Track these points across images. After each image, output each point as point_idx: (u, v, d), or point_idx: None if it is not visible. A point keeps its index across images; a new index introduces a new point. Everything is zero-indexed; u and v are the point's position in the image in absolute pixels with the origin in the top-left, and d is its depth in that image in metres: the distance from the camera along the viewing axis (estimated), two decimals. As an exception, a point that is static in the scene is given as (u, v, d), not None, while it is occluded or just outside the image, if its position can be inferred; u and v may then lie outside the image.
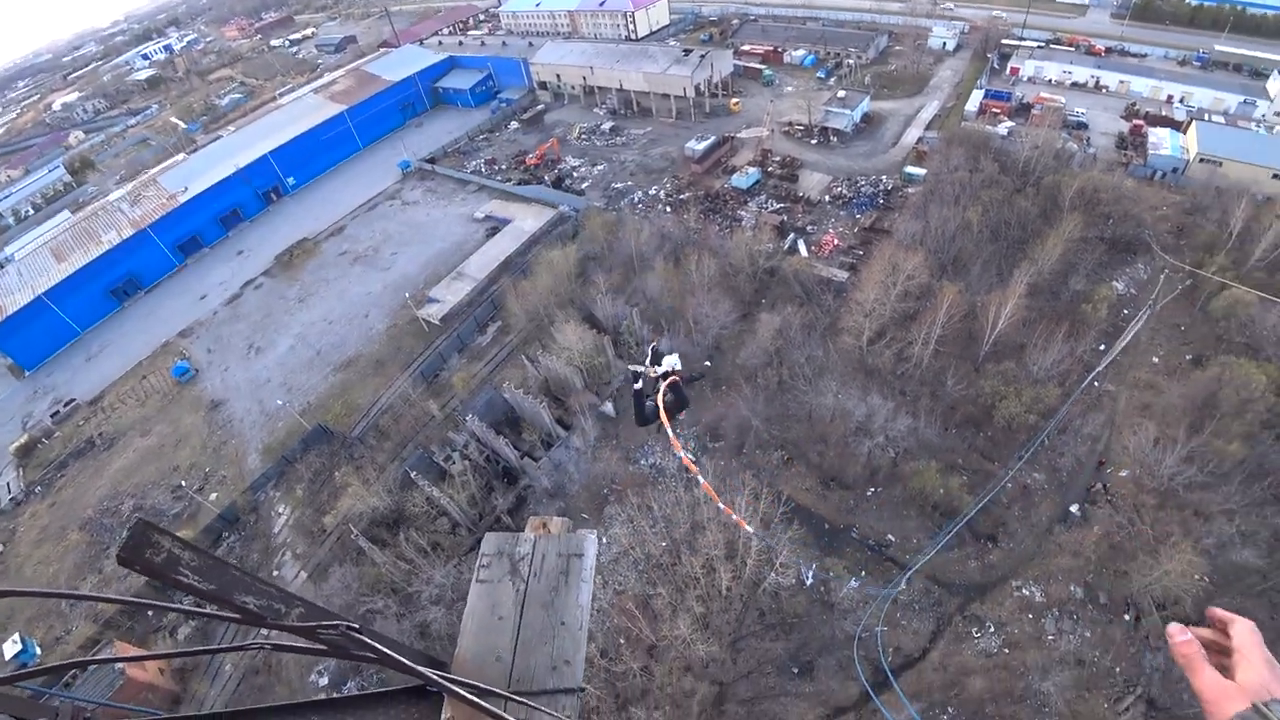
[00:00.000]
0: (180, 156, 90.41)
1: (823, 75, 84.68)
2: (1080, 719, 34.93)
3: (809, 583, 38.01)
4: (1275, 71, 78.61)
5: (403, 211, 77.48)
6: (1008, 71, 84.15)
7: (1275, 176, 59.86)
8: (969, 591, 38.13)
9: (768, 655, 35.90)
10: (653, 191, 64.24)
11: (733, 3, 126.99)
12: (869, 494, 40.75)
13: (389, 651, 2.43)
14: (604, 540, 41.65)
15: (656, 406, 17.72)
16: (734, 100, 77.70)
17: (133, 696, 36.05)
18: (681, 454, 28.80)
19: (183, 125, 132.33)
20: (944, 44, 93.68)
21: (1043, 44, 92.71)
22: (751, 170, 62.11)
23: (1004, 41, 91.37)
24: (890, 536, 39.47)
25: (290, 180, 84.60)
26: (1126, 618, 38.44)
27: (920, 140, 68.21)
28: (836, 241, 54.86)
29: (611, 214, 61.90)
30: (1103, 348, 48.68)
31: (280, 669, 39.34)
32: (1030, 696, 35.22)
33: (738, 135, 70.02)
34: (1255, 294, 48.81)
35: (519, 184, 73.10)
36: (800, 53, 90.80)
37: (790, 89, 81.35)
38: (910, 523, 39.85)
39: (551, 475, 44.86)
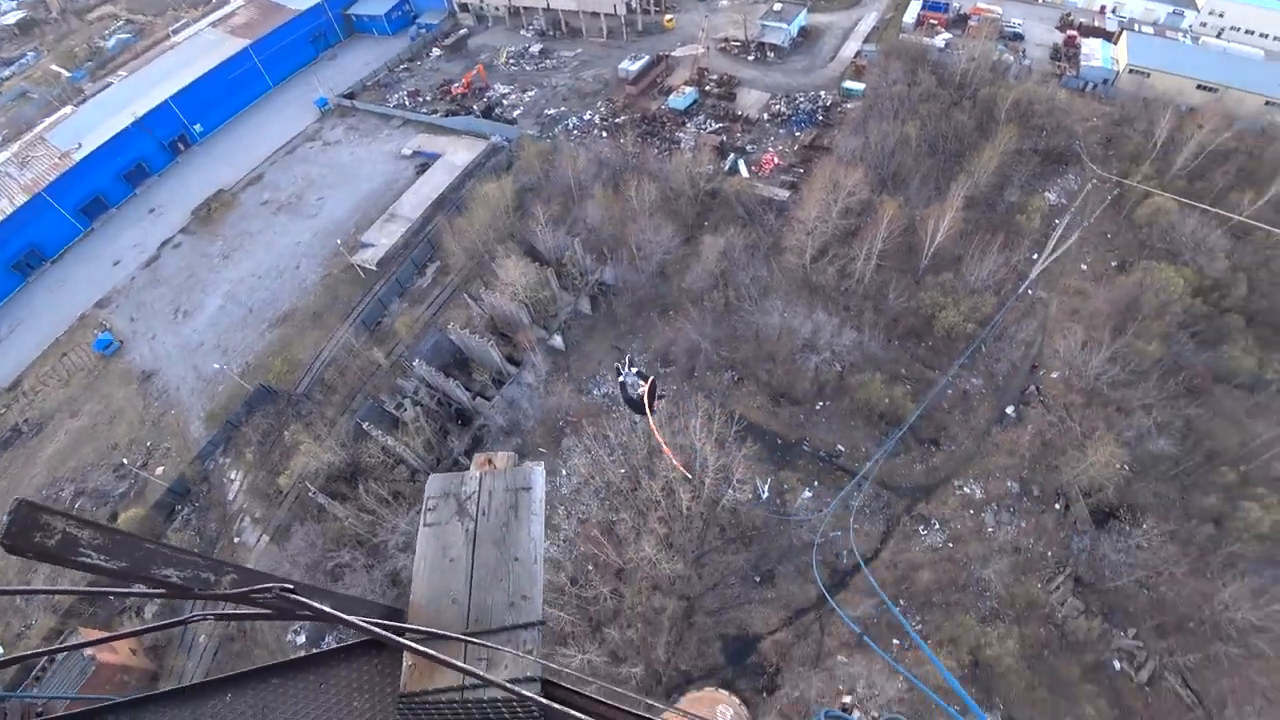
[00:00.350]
0: (67, 110, 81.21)
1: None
2: (1017, 600, 37.52)
3: (765, 496, 39.00)
4: None
5: (325, 153, 72.42)
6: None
7: (1200, 87, 61.33)
8: (915, 493, 39.81)
9: (730, 568, 37.08)
10: (587, 116, 61.64)
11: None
12: (818, 408, 41.56)
13: (326, 609, 2.40)
14: (564, 472, 41.98)
15: (640, 399, 22.58)
16: (668, 17, 74.38)
17: (109, 680, 35.14)
18: (666, 450, 29.45)
19: (66, 74, 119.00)
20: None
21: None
22: (688, 90, 60.06)
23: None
24: (840, 447, 40.58)
25: (197, 127, 77.46)
26: (1057, 507, 40.99)
27: (859, 54, 67.02)
28: (777, 160, 54.07)
29: (546, 142, 59.27)
30: (1035, 257, 50.08)
31: (255, 632, 38.70)
32: (972, 584, 37.51)
33: (672, 54, 67.25)
34: (1176, 200, 50.68)
35: (446, 116, 68.90)
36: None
37: (726, 3, 78.23)
38: (858, 432, 40.97)
39: (505, 413, 44.20)
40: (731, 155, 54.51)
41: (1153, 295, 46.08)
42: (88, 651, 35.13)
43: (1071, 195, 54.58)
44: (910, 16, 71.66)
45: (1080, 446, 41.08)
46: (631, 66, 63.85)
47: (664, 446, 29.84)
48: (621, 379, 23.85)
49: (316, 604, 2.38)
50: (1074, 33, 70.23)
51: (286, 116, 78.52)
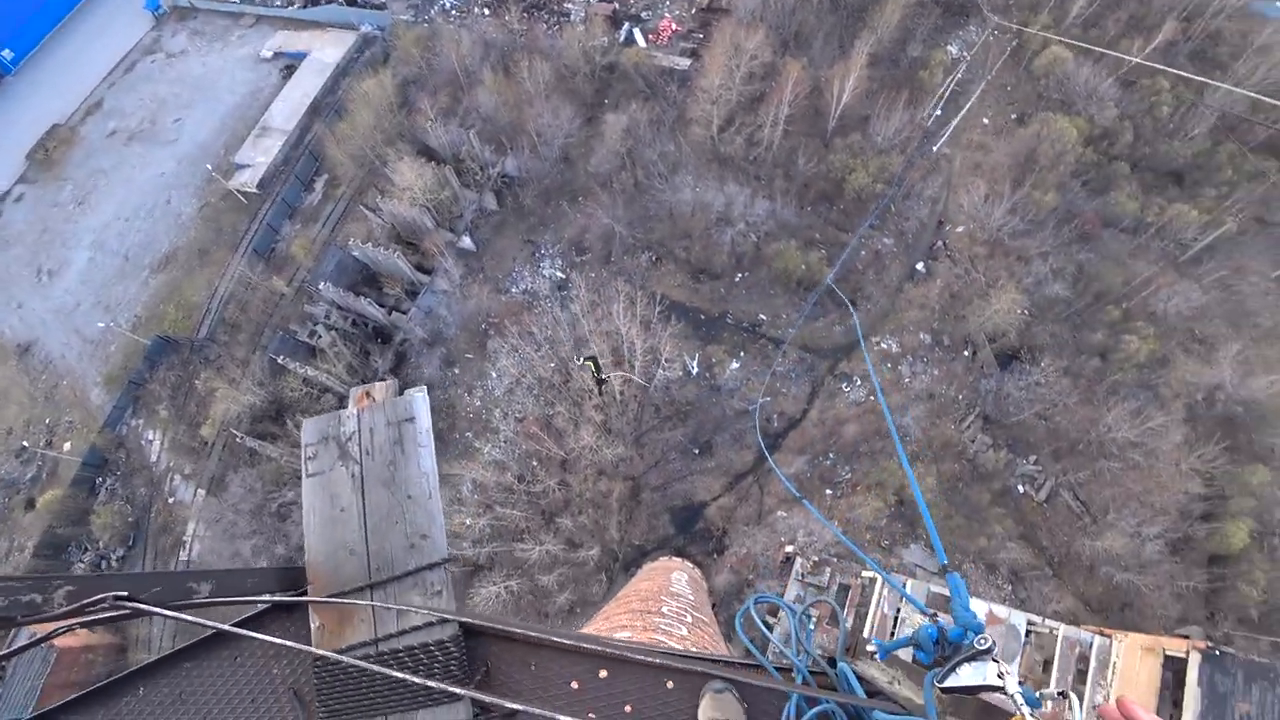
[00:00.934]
0: None
1: None
2: (934, 441, 40.05)
3: (694, 372, 39.17)
4: None
5: (171, 66, 63.54)
6: None
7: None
8: (836, 353, 40.92)
9: (669, 444, 37.75)
10: (460, -9, 56.17)
11: None
12: (737, 280, 41.43)
13: (160, 611, 2.37)
14: (494, 374, 41.27)
15: None
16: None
17: (74, 663, 34.61)
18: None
19: None
20: None
21: None
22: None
23: None
24: (762, 316, 40.89)
25: (7, 54, 65.96)
26: (966, 354, 43.22)
27: (754, -89, 63.03)
28: (674, 27, 51.07)
29: (423, 27, 53.70)
30: (939, 112, 50.25)
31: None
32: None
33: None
34: (1073, 45, 51.29)
35: (305, 6, 61.22)
36: None
37: None
38: (778, 300, 41.30)
39: (424, 324, 42.34)
40: (626, 24, 51.07)
41: (1049, 146, 47.36)
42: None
43: (972, 47, 54.49)
44: None
45: (985, 296, 43.04)
46: None
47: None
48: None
49: (149, 607, 2.36)
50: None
51: (114, 29, 67.80)
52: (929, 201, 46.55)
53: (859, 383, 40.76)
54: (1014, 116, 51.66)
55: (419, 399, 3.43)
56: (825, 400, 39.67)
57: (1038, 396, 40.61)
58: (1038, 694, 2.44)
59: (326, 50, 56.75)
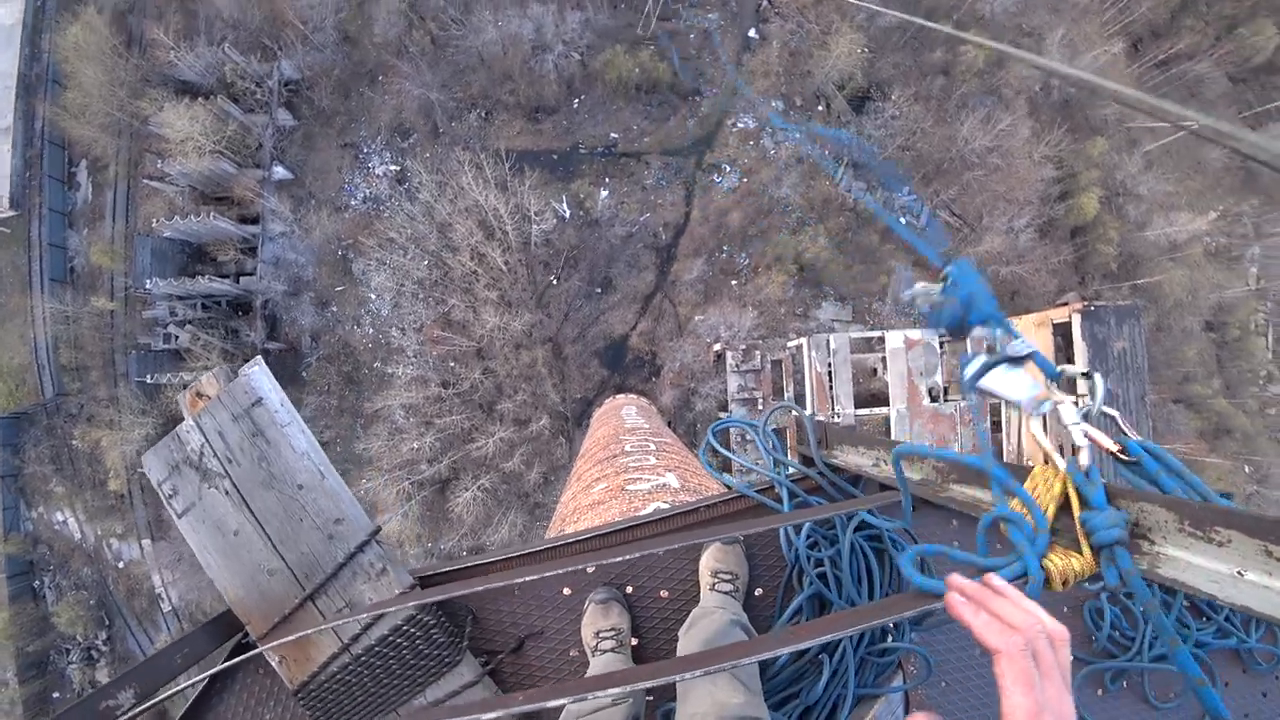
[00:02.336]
0: None
1: None
2: (814, 202, 41.44)
3: (567, 215, 38.16)
4: None
5: None
6: None
7: None
8: (697, 147, 40.48)
9: (571, 293, 37.71)
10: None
11: None
12: (575, 106, 39.43)
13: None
14: (372, 296, 39.17)
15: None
16: None
17: None
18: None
19: None
20: None
21: None
22: None
23: None
24: (613, 135, 39.54)
25: None
26: (820, 108, 43.67)
27: None
28: None
29: (107, -64, 44.28)
30: None
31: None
32: (774, 205, 40.57)
33: None
34: None
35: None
36: None
37: None
38: (624, 113, 39.82)
39: (277, 276, 39.06)
40: None
41: None
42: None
43: None
44: None
45: (823, 45, 42.74)
46: None
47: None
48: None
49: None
50: None
51: None
52: (735, -41, 44.62)
53: (728, 169, 40.87)
54: None
55: (256, 373, 2.96)
56: (702, 196, 39.84)
57: (896, 130, 42.03)
58: (1059, 369, 2.23)
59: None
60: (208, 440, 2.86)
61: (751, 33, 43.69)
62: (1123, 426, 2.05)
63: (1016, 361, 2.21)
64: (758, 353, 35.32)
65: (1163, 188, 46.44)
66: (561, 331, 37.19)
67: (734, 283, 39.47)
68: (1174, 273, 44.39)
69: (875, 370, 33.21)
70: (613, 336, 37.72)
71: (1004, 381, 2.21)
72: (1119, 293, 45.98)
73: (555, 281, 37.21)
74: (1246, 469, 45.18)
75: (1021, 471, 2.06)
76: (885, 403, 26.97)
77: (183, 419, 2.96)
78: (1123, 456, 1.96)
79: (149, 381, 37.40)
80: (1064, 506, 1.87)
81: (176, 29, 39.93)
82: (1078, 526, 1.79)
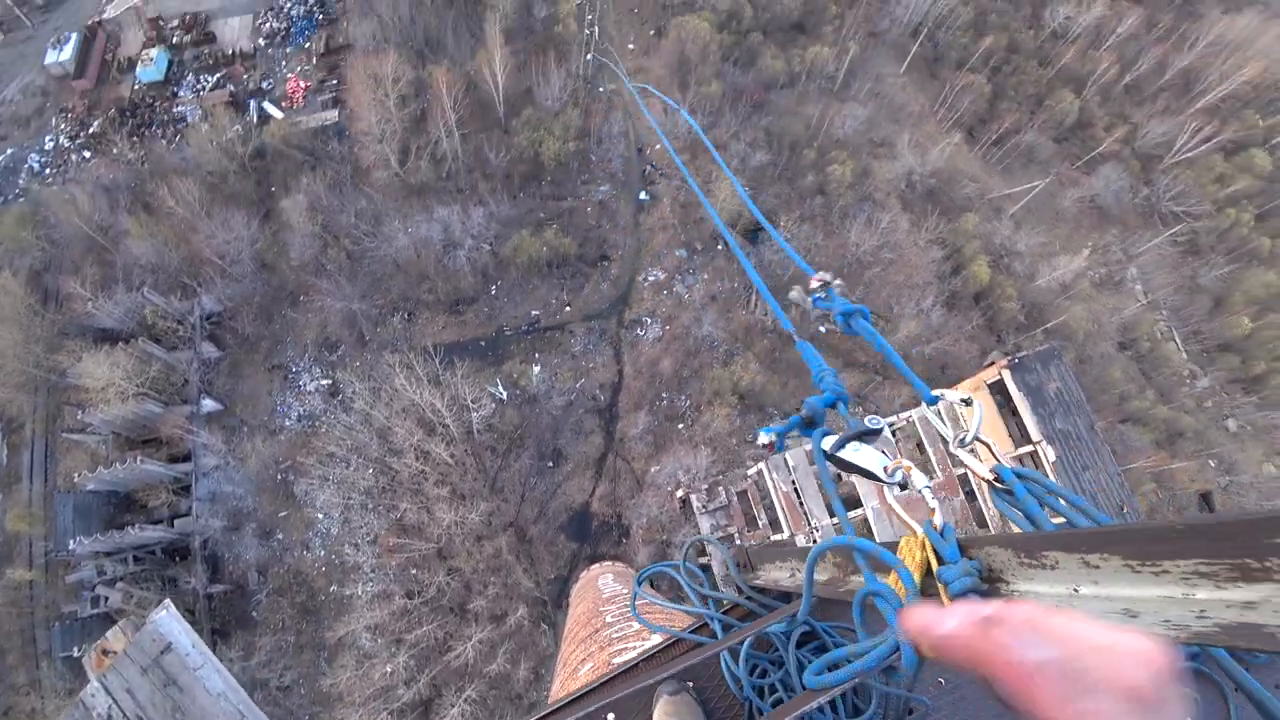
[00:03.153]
0: None
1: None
2: (736, 333, 44.15)
3: (504, 397, 39.44)
4: None
5: None
6: None
7: None
8: (616, 306, 43.16)
9: (523, 472, 38.16)
10: (49, 145, 48.24)
11: None
12: (493, 292, 41.80)
13: None
14: (320, 517, 38.52)
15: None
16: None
17: None
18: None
19: None
20: None
21: None
22: (154, 53, 49.36)
23: None
24: (534, 312, 41.78)
25: None
26: (719, 247, 47.60)
27: (319, -64, 60.36)
28: (304, 84, 48.27)
29: (19, 204, 45.89)
30: (588, 57, 53.12)
31: None
32: (700, 344, 43.07)
33: (105, 17, 53.75)
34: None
35: None
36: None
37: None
38: (541, 290, 42.39)
39: (215, 512, 38.01)
40: (251, 102, 47.37)
41: (693, 45, 52.27)
42: None
43: (585, -15, 57.64)
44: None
45: (709, 191, 47.48)
46: (62, 56, 50.02)
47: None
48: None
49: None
50: None
51: None
52: (620, 137, 49.64)
53: (649, 321, 43.50)
54: (652, 32, 56.05)
55: (164, 618, 2.89)
56: (630, 352, 41.93)
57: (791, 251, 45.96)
58: (935, 392, 2.41)
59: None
60: (115, 701, 2.71)
61: (642, 195, 48.10)
62: (993, 453, 2.16)
63: (870, 435, 2.35)
64: (721, 489, 36.13)
65: (1036, 240, 52.95)
66: (521, 513, 37.39)
67: (680, 426, 40.83)
68: (1074, 310, 49.52)
69: (839, 475, 34.62)
70: (574, 507, 38.11)
71: (861, 455, 2.33)
72: (1035, 340, 48.90)
73: (505, 464, 37.80)
74: (1212, 463, 48.54)
75: (893, 545, 2.07)
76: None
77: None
78: (998, 484, 2.04)
79: (76, 655, 34.29)
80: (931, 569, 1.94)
81: (94, 280, 41.03)
82: (937, 583, 1.84)
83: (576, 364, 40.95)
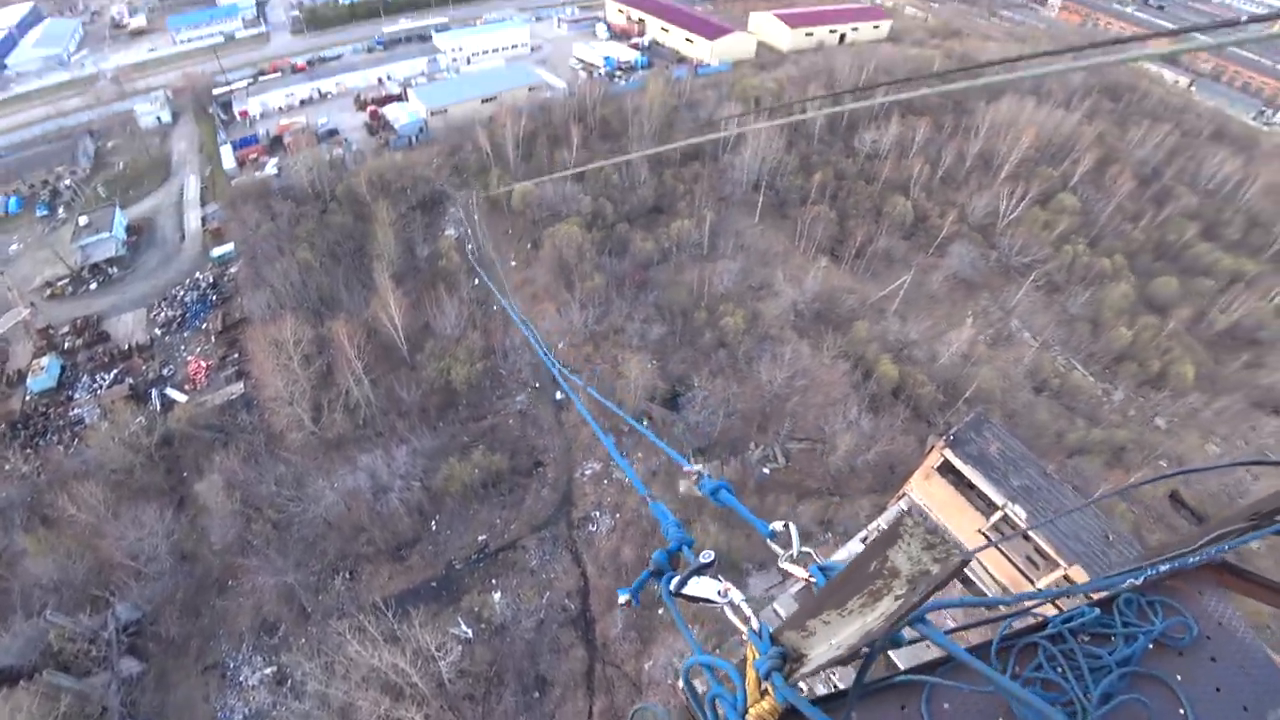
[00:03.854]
0: None
1: (44, 211, 70.73)
2: (686, 502, 44.35)
3: (469, 634, 38.29)
4: (432, 31, 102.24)
5: None
6: (238, 116, 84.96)
7: (484, 101, 78.40)
8: (562, 509, 44.23)
9: (510, 709, 36.21)
10: (-67, 473, 45.77)
11: None
12: (434, 529, 42.07)
13: None
14: None
15: None
16: (-60, 307, 59.21)
17: None
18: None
19: None
20: (157, 118, 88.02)
21: (251, 79, 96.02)
22: (46, 361, 49.63)
23: (215, 92, 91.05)
24: (481, 537, 42.06)
25: None
26: (644, 423, 50.29)
27: (205, 220, 64.94)
28: (204, 363, 49.64)
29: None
30: (476, 280, 58.29)
31: None
32: (655, 523, 43.76)
33: (-12, 336, 54.13)
34: (529, 183, 64.24)
35: None
36: (-8, 201, 73.16)
37: (16, 246, 65.88)
38: (482, 513, 43.10)
39: None
40: (152, 391, 47.86)
41: (568, 250, 58.88)
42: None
43: (461, 221, 64.49)
44: (229, 161, 71.84)
45: (620, 376, 51.04)
46: None
47: None
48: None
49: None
50: (373, 108, 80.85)
51: None
52: (523, 346, 53.50)
53: (599, 514, 44.52)
54: (529, 246, 62.72)
55: None
56: (588, 551, 42.42)
57: (713, 406, 48.96)
58: (770, 526, 2.83)
59: None
60: None
61: (558, 395, 51.26)
62: (815, 558, 2.59)
63: (705, 568, 2.89)
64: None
65: (924, 325, 60.91)
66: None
67: (660, 611, 39.87)
68: (982, 373, 55.27)
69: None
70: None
71: (699, 586, 2.83)
72: (960, 413, 52.95)
73: (488, 706, 35.69)
74: (1163, 463, 51.75)
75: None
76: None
77: None
78: (812, 581, 2.50)
79: None
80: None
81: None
82: (753, 673, 2.25)
83: (537, 579, 40.92)
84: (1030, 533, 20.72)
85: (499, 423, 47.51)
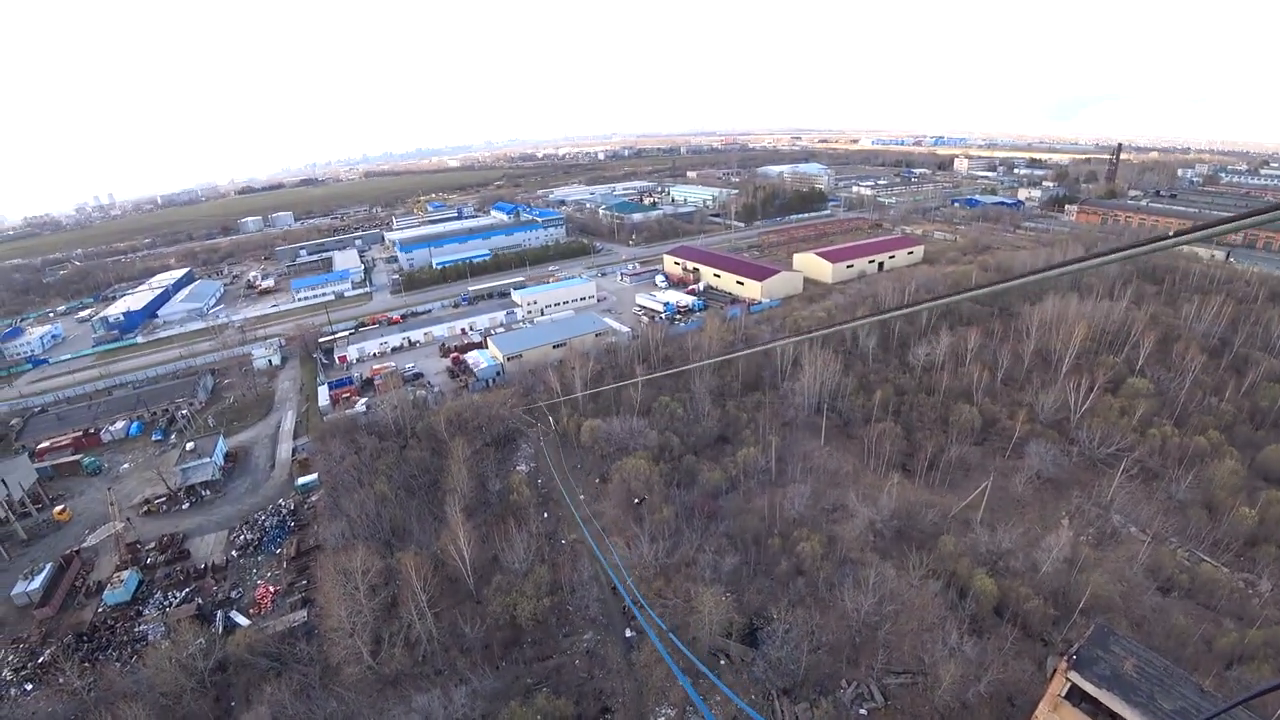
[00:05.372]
0: None
1: (159, 436, 79.19)
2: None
3: None
4: (511, 289, 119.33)
5: None
6: (337, 361, 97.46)
7: (555, 347, 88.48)
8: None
9: None
10: (-8, 684, 45.44)
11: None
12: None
13: None
14: None
15: None
16: (58, 509, 64.09)
17: None
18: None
19: None
20: (269, 361, 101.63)
21: (352, 330, 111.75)
22: (127, 575, 51.73)
23: (320, 340, 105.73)
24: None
25: None
26: (722, 662, 46.38)
27: (295, 451, 71.27)
28: (272, 589, 50.90)
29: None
30: (545, 515, 60.18)
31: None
32: None
33: (84, 545, 57.49)
34: (596, 419, 69.74)
35: None
36: (120, 425, 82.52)
37: (127, 465, 72.63)
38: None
39: None
40: (218, 614, 48.73)
41: (636, 481, 61.16)
42: None
43: (532, 457, 68.71)
44: (324, 400, 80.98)
45: (692, 610, 48.69)
46: (30, 586, 51.49)
47: None
48: None
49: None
50: (455, 354, 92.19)
51: None
52: (592, 581, 53.11)
53: None
54: (598, 480, 65.41)
55: None
56: None
57: (795, 640, 45.26)
58: None
59: None
60: None
61: (628, 632, 49.30)
62: None
63: None
64: None
65: (1016, 533, 55.47)
66: None
67: None
68: (1093, 578, 49.18)
69: None
70: None
71: None
72: (1078, 628, 46.95)
73: None
74: None
75: None
76: None
77: None
78: None
79: None
80: None
81: None
82: None
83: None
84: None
85: (564, 663, 45.41)
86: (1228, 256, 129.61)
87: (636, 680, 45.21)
